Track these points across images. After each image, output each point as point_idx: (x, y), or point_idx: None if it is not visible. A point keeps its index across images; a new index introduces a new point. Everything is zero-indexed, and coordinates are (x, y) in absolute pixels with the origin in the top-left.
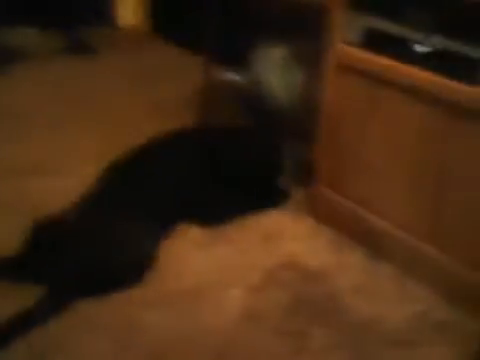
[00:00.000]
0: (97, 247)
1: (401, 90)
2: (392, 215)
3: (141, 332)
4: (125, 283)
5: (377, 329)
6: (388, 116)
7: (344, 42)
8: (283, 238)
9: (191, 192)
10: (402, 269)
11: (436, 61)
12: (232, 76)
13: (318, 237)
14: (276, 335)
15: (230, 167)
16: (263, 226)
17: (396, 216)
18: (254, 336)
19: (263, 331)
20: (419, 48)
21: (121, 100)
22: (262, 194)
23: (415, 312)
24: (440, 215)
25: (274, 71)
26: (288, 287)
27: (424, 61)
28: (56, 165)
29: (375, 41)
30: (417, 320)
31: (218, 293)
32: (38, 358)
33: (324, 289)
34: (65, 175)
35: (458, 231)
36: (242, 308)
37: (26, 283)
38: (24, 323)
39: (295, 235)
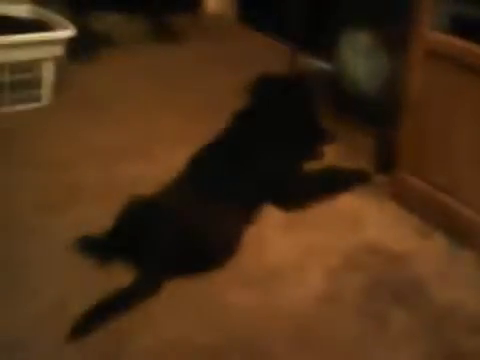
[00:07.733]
0: (188, 229)
1: None
2: (477, 202)
3: (225, 311)
4: (212, 265)
5: (458, 314)
6: (475, 103)
7: (431, 28)
8: (365, 223)
9: (276, 178)
10: None
11: None
12: (318, 63)
13: (400, 223)
14: (356, 316)
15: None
16: (345, 211)
17: None
18: (334, 317)
19: (343, 312)
20: None
21: (208, 86)
22: (343, 176)
23: None
24: None
25: (360, 57)
26: (369, 270)
27: None
28: (143, 150)
29: (462, 26)
30: None
31: (299, 275)
32: (123, 336)
33: (405, 273)
34: (152, 160)
35: None
36: (322, 290)
37: (116, 262)
38: (120, 304)
39: (377, 220)
